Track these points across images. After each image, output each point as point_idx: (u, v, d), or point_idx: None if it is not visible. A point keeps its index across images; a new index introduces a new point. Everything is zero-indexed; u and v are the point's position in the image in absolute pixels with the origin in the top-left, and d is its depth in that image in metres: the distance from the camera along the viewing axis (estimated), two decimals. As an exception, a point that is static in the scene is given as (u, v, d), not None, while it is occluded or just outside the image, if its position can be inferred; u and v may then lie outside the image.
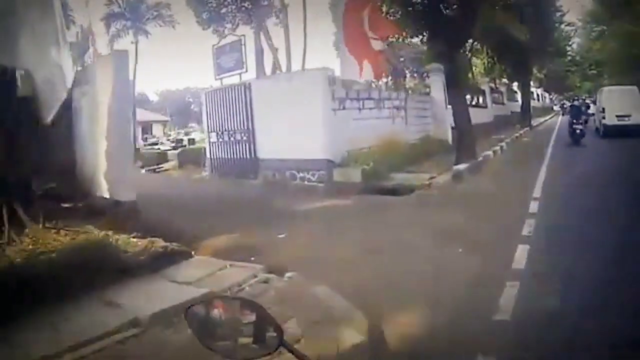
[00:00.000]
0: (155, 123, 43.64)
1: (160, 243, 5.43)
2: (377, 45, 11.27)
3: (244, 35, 12.72)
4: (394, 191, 8.48)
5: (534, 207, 6.57)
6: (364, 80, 11.59)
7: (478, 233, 5.34)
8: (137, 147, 20.35)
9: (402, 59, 35.02)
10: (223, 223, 6.86)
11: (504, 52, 25.36)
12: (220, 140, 12.21)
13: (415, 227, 5.81)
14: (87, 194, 7.06)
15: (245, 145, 11.37)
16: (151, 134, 41.15)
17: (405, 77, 39.99)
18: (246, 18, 19.64)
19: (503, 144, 15.91)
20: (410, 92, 15.00)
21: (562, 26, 29.91)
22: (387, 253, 4.96)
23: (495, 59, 28.37)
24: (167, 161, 17.22)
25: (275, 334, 1.15)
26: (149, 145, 28.19)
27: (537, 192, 7.58)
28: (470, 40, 27.67)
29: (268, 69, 19.72)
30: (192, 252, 5.48)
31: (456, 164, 10.47)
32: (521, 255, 4.58)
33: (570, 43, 34.17)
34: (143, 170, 16.37)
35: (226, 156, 12.09)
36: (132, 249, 5.20)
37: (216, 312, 1.21)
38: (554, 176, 9.07)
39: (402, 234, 5.53)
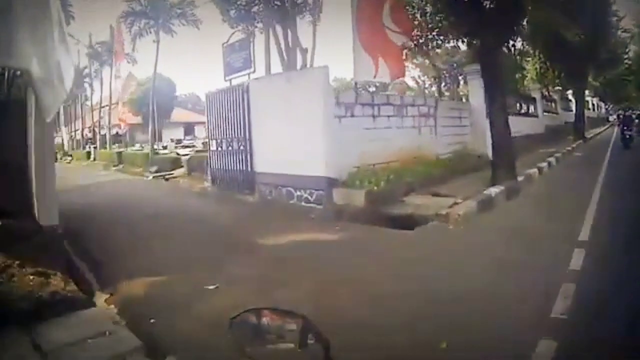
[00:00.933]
0: (197, 124, 43.16)
1: (54, 285, 4.02)
2: (397, 39, 9.29)
3: (253, 31, 11.15)
4: (401, 221, 6.50)
5: (577, 260, 4.43)
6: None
7: (489, 315, 3.33)
8: (155, 150, 19.57)
9: (454, 65, 32.37)
10: (164, 257, 5.31)
11: (556, 56, 22.41)
12: (220, 149, 10.70)
13: (399, 293, 3.85)
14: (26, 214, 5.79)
15: (242, 155, 9.74)
16: (194, 135, 40.87)
17: (459, 84, 37.13)
18: (278, 16, 18.08)
19: (552, 159, 13.34)
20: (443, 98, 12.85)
21: (619, 32, 26.46)
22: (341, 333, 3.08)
23: (548, 63, 25.31)
24: (181, 167, 16.01)
25: (321, 348, 1.14)
26: (183, 146, 27.51)
27: (584, 233, 5.39)
28: (519, 41, 25.01)
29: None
30: (94, 300, 4.03)
31: (493, 185, 8.32)
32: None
33: (626, 50, 30.44)
34: (150, 177, 15.27)
35: (225, 167, 10.56)
36: (21, 289, 3.85)
37: (261, 322, 1.22)
38: (608, 207, 6.76)
39: (377, 305, 3.61)
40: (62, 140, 36.48)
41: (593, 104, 45.71)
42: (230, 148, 10.24)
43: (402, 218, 6.62)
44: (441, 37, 24.35)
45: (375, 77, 9.12)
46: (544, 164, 12.14)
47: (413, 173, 8.80)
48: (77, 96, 30.81)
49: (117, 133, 29.61)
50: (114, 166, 22.10)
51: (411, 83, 44.28)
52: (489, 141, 11.80)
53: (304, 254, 5.23)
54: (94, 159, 27.05)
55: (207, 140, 12.28)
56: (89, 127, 29.42)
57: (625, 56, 30.87)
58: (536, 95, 22.36)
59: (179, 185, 13.28)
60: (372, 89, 61.64)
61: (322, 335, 1.15)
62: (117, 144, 30.13)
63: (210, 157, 11.16)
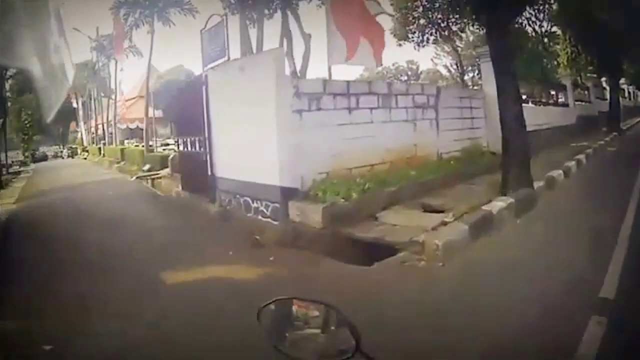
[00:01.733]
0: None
1: None
2: (373, 8, 7.35)
3: (225, 15, 9.42)
4: (363, 250, 4.73)
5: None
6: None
7: None
8: (150, 147, 18.26)
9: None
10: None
11: (589, 40, 19.58)
12: (185, 149, 9.14)
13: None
14: None
15: (203, 157, 8.14)
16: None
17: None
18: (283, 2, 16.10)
19: (582, 156, 11.06)
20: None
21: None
22: None
23: (579, 48, 22.40)
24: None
25: (352, 339, 1.08)
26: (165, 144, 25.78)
27: (610, 285, 3.47)
28: (546, 22, 22.12)
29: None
30: None
31: (503, 192, 6.39)
32: None
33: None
34: (134, 178, 13.90)
35: (189, 169, 9.00)
36: None
37: (291, 313, 1.21)
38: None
39: None
40: (82, 135, 36.17)
41: (629, 92, 41.47)
42: (193, 148, 8.66)
43: (364, 245, 4.82)
44: (462, 20, 22.07)
45: (350, 59, 7.24)
46: (572, 163, 9.93)
47: (402, 178, 6.93)
48: (93, 91, 30.09)
49: (128, 127, 28.68)
50: (117, 163, 21.09)
51: (444, 72, 41.68)
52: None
53: (196, 305, 3.54)
54: (103, 155, 26.26)
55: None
56: (105, 123, 28.79)
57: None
58: (567, 82, 19.66)
59: (149, 190, 11.77)
60: (404, 77, 58.44)
61: (354, 326, 1.08)
62: (134, 139, 29.19)
63: (177, 159, 9.64)
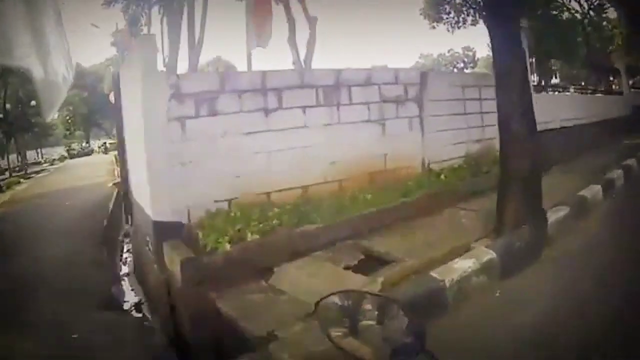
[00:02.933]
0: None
1: None
2: None
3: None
4: (211, 335, 2.73)
5: None
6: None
7: None
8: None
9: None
10: None
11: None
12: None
13: None
14: None
15: (122, 171, 6.40)
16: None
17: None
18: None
19: (633, 161, 8.15)
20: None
21: None
22: None
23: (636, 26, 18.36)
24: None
25: (417, 339, 1.03)
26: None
27: None
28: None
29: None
30: None
31: (498, 232, 4.11)
32: None
33: None
34: (110, 184, 12.53)
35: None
36: None
37: (352, 308, 1.14)
38: None
39: None
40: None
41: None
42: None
43: (211, 331, 2.80)
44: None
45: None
46: (618, 172, 7.13)
47: (342, 207, 4.72)
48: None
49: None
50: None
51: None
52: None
53: None
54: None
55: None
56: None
57: None
58: (620, 66, 16.05)
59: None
60: (460, 64, 53.15)
61: (423, 330, 1.03)
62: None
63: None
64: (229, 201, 4.36)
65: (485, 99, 7.84)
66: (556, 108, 9.11)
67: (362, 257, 3.90)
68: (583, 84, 16.84)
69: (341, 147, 5.35)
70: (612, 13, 18.64)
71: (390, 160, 5.88)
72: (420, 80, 6.31)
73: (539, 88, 12.10)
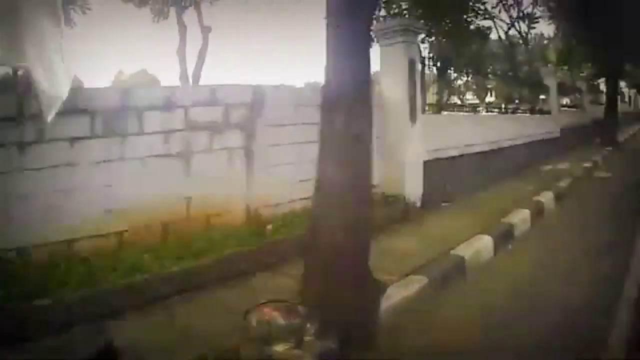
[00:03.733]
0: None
1: None
2: None
3: None
4: None
5: None
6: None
7: None
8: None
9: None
10: None
11: (583, 31, 14.85)
12: None
13: None
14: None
15: None
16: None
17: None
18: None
19: (550, 194, 6.61)
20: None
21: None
22: None
23: (573, 41, 17.56)
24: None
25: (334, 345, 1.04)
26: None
27: None
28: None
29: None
30: None
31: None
32: None
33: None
34: None
35: None
36: None
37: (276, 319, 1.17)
38: None
39: None
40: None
41: (629, 97, 36.16)
42: None
43: None
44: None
45: None
46: (524, 214, 5.50)
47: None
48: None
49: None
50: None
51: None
52: (411, 167, 5.60)
53: None
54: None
55: None
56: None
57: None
58: (550, 83, 15.07)
59: None
60: None
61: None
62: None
63: None
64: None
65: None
66: (462, 131, 7.52)
67: None
68: (517, 102, 15.68)
69: (122, 189, 3.34)
70: (543, 27, 17.86)
71: (195, 207, 3.89)
72: (254, 100, 4.34)
73: (437, 107, 10.66)
